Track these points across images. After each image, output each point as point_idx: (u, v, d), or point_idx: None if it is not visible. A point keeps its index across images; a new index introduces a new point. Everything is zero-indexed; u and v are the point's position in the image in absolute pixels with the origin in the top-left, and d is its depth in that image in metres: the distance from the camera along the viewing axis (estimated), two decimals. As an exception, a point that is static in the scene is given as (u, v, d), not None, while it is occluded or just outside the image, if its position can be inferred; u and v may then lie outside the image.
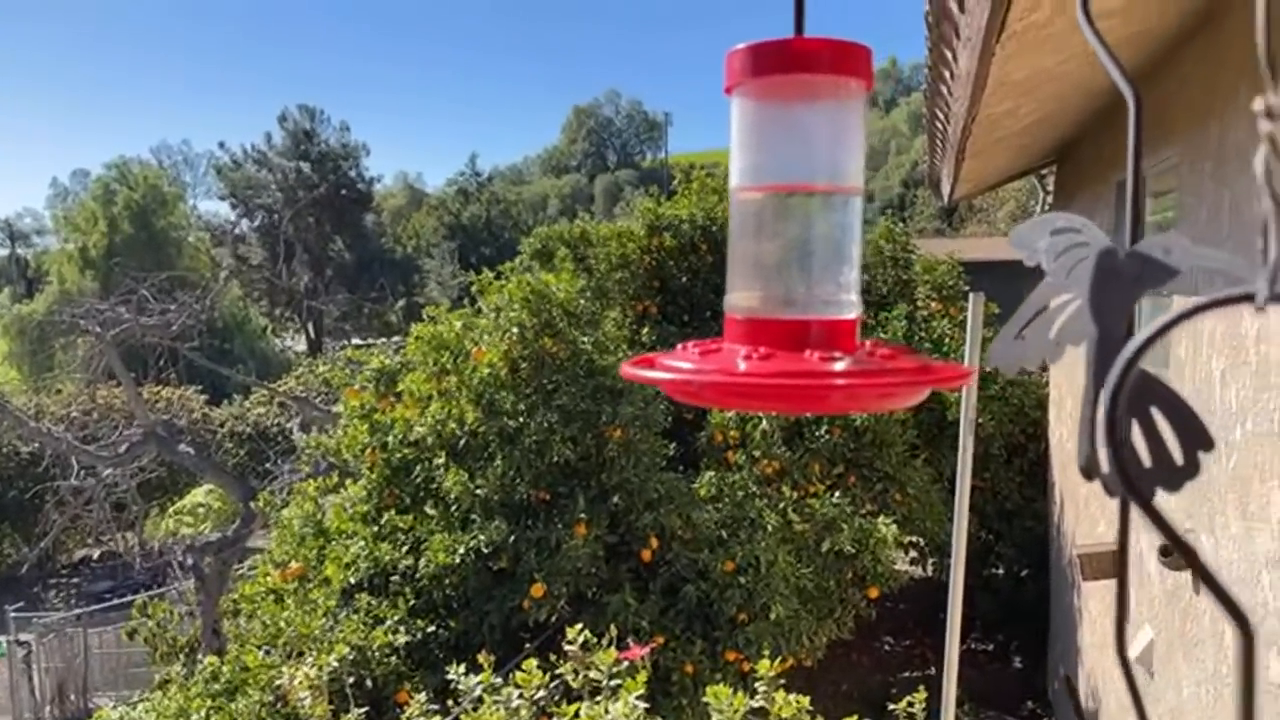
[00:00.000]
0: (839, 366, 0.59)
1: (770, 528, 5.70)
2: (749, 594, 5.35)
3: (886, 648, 8.79)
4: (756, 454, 6.61)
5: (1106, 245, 0.55)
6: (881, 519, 6.00)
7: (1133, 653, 4.03)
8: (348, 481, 5.98)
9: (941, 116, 4.36)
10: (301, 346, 32.14)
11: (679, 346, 0.67)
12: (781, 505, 6.04)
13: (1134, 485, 0.47)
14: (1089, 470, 0.59)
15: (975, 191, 8.30)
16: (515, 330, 5.41)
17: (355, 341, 28.41)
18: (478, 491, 5.34)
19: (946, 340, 7.78)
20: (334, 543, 5.59)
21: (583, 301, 5.86)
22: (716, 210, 7.97)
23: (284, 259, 33.14)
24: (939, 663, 8.43)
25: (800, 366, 0.58)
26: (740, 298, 0.64)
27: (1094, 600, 5.42)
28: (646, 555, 5.48)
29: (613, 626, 4.94)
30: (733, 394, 0.60)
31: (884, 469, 6.89)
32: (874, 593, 5.92)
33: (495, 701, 2.83)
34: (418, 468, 5.66)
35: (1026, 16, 2.32)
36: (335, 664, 3.71)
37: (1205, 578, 0.33)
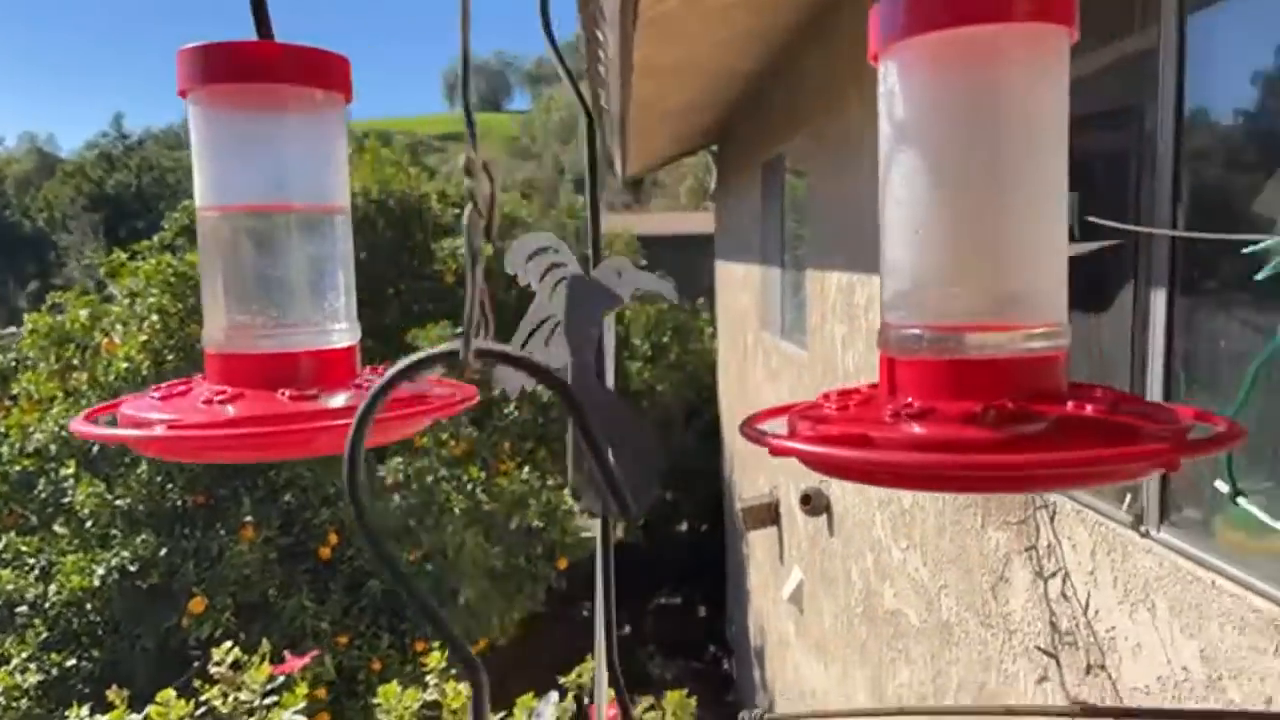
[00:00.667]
0: (316, 405, 0.51)
1: (458, 511, 5.62)
2: (437, 581, 5.24)
3: (584, 614, 9.07)
4: (444, 435, 6.47)
5: (577, 273, 0.54)
6: (568, 491, 6.12)
7: (785, 593, 4.45)
8: (-50, 504, 5.04)
9: (604, 95, 4.44)
10: (-100, 340, 26.71)
11: (151, 389, 0.56)
12: (470, 486, 5.97)
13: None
14: (574, 493, 0.58)
15: (648, 168, 8.68)
16: (155, 318, 4.82)
17: (-26, 332, 24.11)
18: (118, 503, 4.72)
19: (626, 313, 8.07)
20: (-67, 578, 4.69)
21: (240, 284, 5.35)
22: (394, 182, 7.66)
23: None
24: (634, 620, 8.86)
25: (264, 409, 0.50)
26: (212, 331, 0.54)
27: (759, 548, 5.93)
28: (326, 553, 5.18)
29: (287, 633, 4.61)
30: (186, 448, 0.50)
31: (572, 441, 7.05)
32: (563, 564, 6.04)
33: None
34: (41, 481, 4.89)
35: (657, 6, 2.38)
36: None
37: (434, 621, 0.32)
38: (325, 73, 0.53)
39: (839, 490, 3.58)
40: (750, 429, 0.46)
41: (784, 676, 5.02)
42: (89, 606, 4.71)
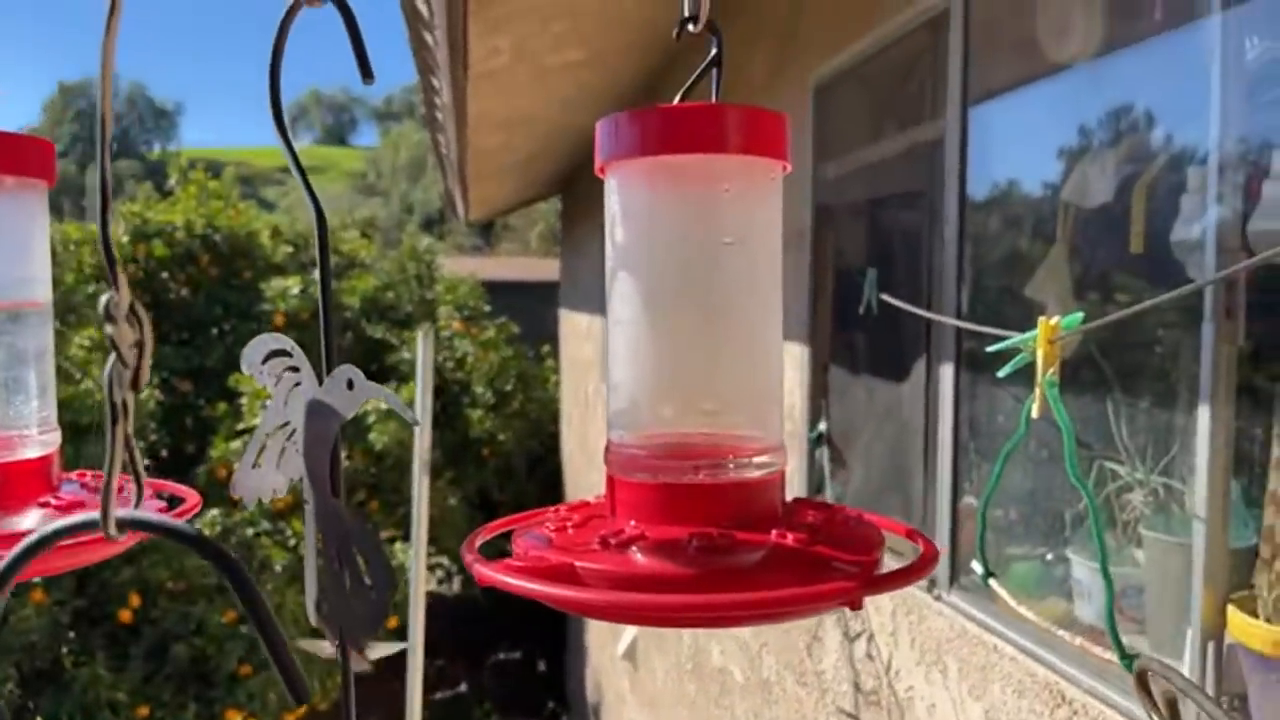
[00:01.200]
0: None
1: (280, 568, 5.30)
2: (253, 643, 4.90)
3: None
4: (267, 486, 6.11)
5: (311, 381, 0.51)
6: (399, 545, 5.90)
7: (620, 649, 4.42)
8: None
9: (443, 141, 4.39)
10: None
11: None
12: (293, 542, 5.65)
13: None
14: (313, 615, 0.54)
15: (492, 214, 8.64)
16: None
17: None
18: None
19: (469, 360, 7.94)
20: None
21: (37, 321, 4.90)
22: (221, 217, 7.27)
23: None
24: (471, 677, 8.57)
25: None
26: None
27: (596, 599, 5.89)
28: (126, 616, 4.76)
29: (80, 704, 4.19)
30: None
31: (407, 492, 6.82)
32: (394, 622, 5.78)
33: None
34: None
35: (488, 60, 2.37)
36: None
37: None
38: (14, 157, 0.48)
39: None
40: (467, 551, 0.44)
41: (618, 732, 4.97)
42: None
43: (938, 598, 1.59)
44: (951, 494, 1.58)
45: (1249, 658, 1.03)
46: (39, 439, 0.50)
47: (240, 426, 6.20)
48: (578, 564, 0.38)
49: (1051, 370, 0.74)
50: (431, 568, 7.48)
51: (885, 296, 1.38)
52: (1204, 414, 1.06)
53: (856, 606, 0.36)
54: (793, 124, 0.43)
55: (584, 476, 6.74)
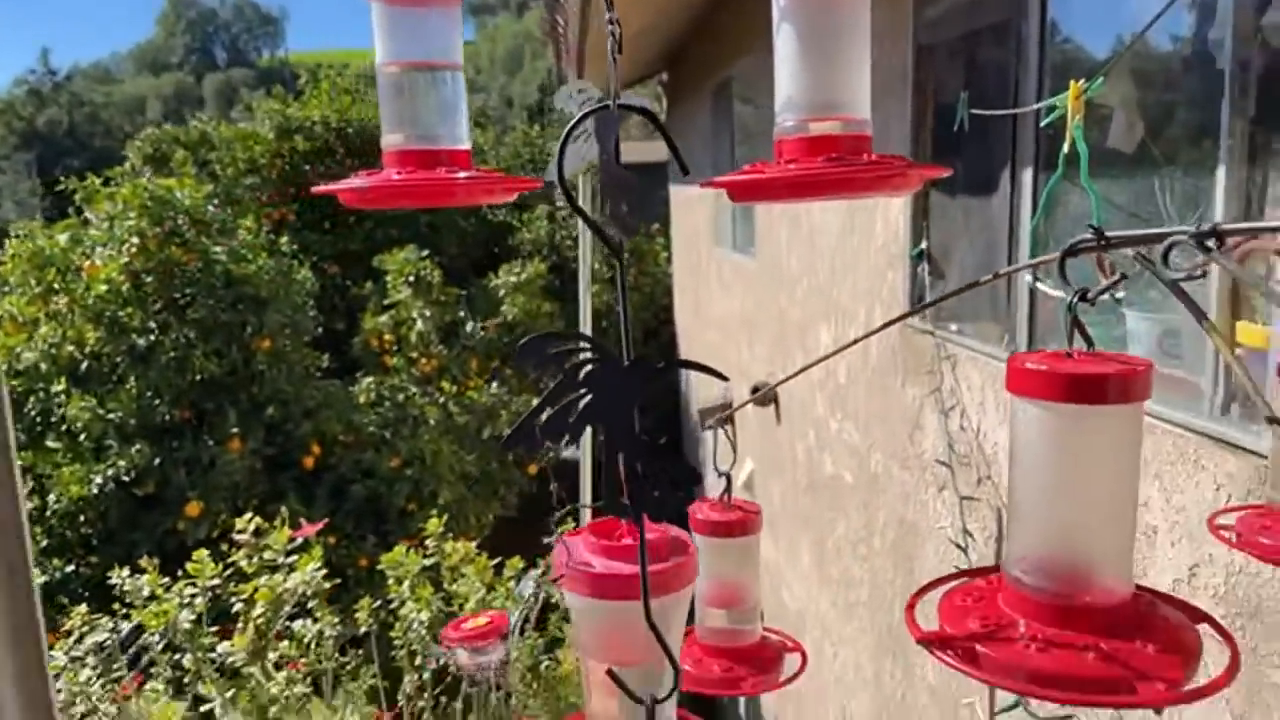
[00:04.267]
0: (456, 176, 0.87)
1: (433, 422, 5.96)
2: (417, 484, 5.61)
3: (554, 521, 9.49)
4: (414, 355, 6.79)
5: (603, 102, 0.87)
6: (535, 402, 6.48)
7: (739, 482, 4.88)
8: (-60, 425, 5.24)
9: (561, 22, 4.69)
10: None
11: (356, 173, 0.90)
12: (442, 400, 6.32)
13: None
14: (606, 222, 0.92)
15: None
16: (135, 240, 5.01)
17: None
18: (109, 416, 4.98)
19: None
20: (-68, 493, 4.93)
21: (211, 209, 5.54)
22: (351, 111, 7.79)
23: None
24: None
25: (430, 176, 0.86)
26: (391, 140, 0.89)
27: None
28: (309, 462, 5.51)
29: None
30: (389, 195, 0.86)
31: (535, 359, 7.39)
32: (533, 469, 6.44)
33: (167, 598, 2.85)
34: (31, 399, 5.12)
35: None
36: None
37: (585, 219, 0.66)
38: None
39: (784, 380, 3.99)
40: (707, 179, 0.81)
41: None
42: (83, 517, 4.99)
43: (1018, 364, 1.93)
44: (1031, 283, 1.89)
45: None
46: (465, 142, 0.90)
47: (386, 302, 6.84)
48: (765, 172, 0.76)
49: (1078, 117, 1.07)
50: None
51: (974, 111, 1.67)
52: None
53: (913, 184, 0.72)
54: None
55: (697, 338, 7.15)
